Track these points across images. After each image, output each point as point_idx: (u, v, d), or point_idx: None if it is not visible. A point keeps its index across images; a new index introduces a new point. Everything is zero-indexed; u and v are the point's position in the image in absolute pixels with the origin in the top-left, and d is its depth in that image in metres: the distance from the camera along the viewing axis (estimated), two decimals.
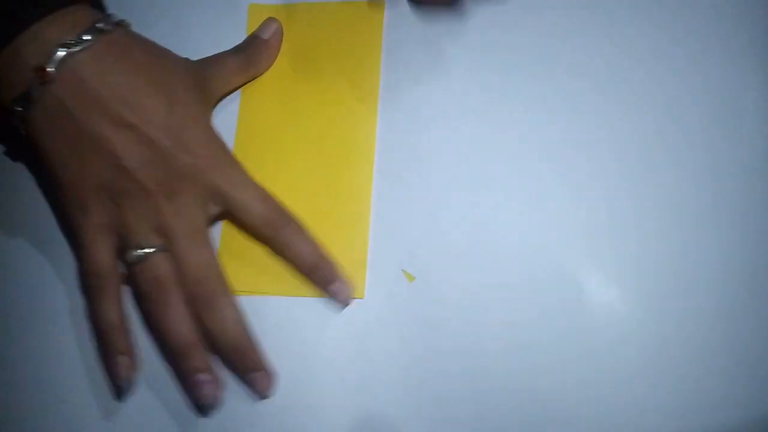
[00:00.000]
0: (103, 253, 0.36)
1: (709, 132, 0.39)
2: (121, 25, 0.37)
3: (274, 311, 0.39)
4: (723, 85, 0.40)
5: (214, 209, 0.37)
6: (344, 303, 0.38)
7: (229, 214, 0.38)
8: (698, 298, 0.37)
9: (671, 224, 0.38)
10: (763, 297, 0.37)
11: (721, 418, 0.36)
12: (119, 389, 0.37)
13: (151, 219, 0.35)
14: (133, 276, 0.37)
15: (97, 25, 0.35)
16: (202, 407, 0.37)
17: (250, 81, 0.41)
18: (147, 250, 0.35)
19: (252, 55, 0.41)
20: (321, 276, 0.37)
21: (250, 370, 0.37)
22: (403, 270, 0.39)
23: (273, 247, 0.38)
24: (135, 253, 0.36)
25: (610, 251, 0.38)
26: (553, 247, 0.39)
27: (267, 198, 0.37)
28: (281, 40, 0.41)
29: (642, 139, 0.40)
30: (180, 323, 0.36)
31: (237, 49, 0.41)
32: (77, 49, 0.34)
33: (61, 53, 0.34)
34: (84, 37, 0.34)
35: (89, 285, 0.37)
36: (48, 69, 0.33)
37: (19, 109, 0.35)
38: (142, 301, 0.38)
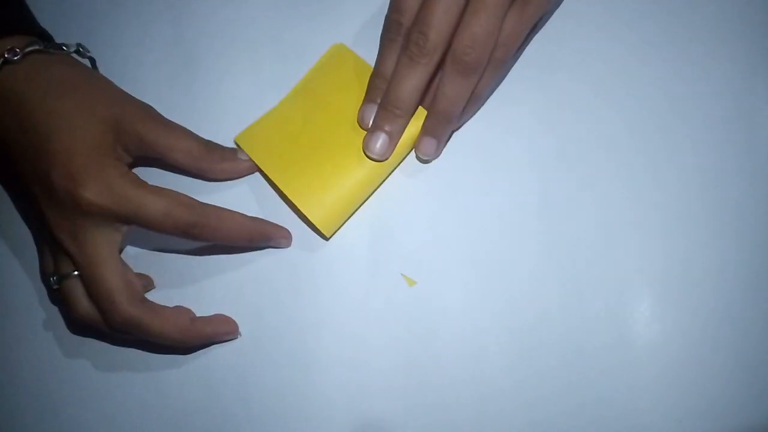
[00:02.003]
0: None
1: (715, 135, 0.39)
2: (41, 51, 0.37)
3: (273, 315, 0.39)
4: (730, 88, 0.39)
5: (121, 230, 0.37)
6: (287, 245, 0.40)
7: (143, 228, 0.37)
8: (701, 301, 0.37)
9: (674, 227, 0.38)
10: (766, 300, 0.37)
11: (723, 420, 0.36)
12: None
13: (59, 250, 0.37)
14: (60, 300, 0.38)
15: (7, 56, 0.36)
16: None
17: (187, 171, 0.40)
18: (59, 277, 0.37)
19: (217, 152, 0.40)
20: (261, 240, 0.39)
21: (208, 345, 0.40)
22: (402, 274, 0.39)
23: (202, 242, 0.38)
24: (52, 279, 0.38)
25: (610, 255, 0.38)
26: (553, 251, 0.38)
27: (169, 207, 0.36)
28: (243, 172, 0.41)
29: (644, 143, 0.39)
30: (121, 335, 0.38)
31: (203, 140, 0.39)
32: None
33: None
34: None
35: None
36: None
37: None
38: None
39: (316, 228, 0.39)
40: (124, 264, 0.37)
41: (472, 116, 0.40)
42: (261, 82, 0.42)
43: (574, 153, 0.39)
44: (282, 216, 0.40)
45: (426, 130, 0.39)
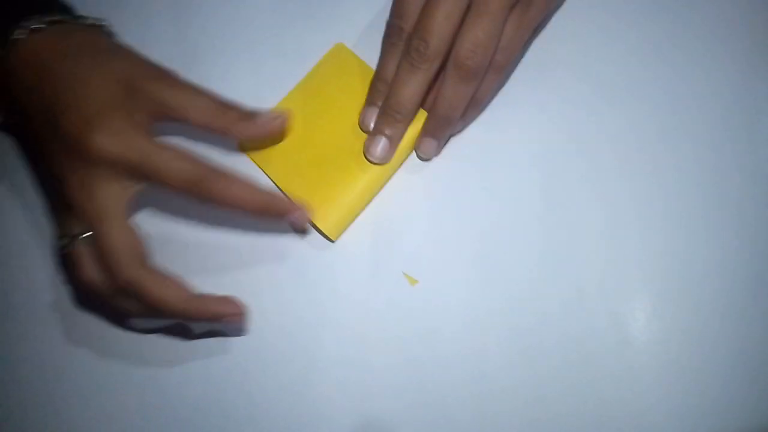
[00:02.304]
0: None
1: (716, 134, 0.40)
2: (60, 21, 0.38)
3: (274, 314, 0.39)
4: (730, 87, 0.40)
5: (130, 185, 0.36)
6: (302, 230, 0.40)
7: (150, 182, 0.36)
8: (702, 300, 0.38)
9: (676, 225, 0.39)
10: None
11: (724, 418, 0.36)
12: None
13: (69, 208, 0.36)
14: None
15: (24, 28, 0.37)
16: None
17: (205, 132, 0.38)
18: (67, 238, 0.37)
19: (235, 111, 0.38)
20: (271, 215, 0.37)
21: (211, 324, 0.39)
22: (404, 273, 0.39)
23: (208, 204, 0.36)
24: (59, 242, 0.37)
25: (612, 254, 0.39)
26: (555, 251, 0.39)
27: (181, 156, 0.36)
28: (275, 132, 0.39)
29: (645, 142, 0.40)
30: (123, 303, 0.37)
31: (221, 99, 0.38)
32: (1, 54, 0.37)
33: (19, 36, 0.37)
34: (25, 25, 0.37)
35: None
36: None
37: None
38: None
39: (321, 231, 0.39)
40: (132, 224, 0.36)
41: (473, 120, 0.40)
42: (261, 82, 0.42)
43: (575, 152, 0.40)
44: None
45: (426, 131, 0.39)
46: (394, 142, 0.39)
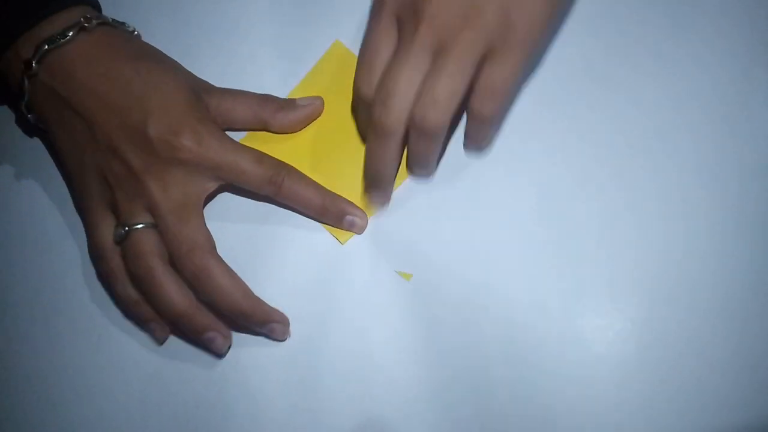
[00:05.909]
0: (105, 235, 0.39)
1: (716, 132, 0.39)
2: (109, 23, 0.40)
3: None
4: (729, 83, 0.39)
5: (210, 183, 0.39)
6: (360, 231, 0.40)
7: (228, 183, 0.39)
8: (700, 299, 0.37)
9: (672, 224, 0.38)
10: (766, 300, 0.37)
11: (722, 419, 0.36)
12: (158, 341, 0.40)
13: (140, 198, 0.38)
14: (123, 254, 0.38)
15: (83, 22, 0.38)
16: (218, 355, 0.39)
17: (252, 125, 0.41)
18: (130, 228, 0.38)
19: (274, 102, 0.41)
20: (332, 215, 0.40)
21: (259, 326, 0.39)
22: (397, 271, 0.39)
23: (280, 201, 0.39)
24: (119, 231, 0.38)
25: (609, 249, 0.38)
26: (552, 247, 0.38)
27: (260, 158, 0.39)
28: (311, 117, 0.41)
29: (643, 140, 0.39)
30: (171, 294, 0.38)
31: (260, 94, 0.41)
32: (61, 42, 0.38)
33: (46, 47, 0.37)
34: (68, 33, 0.38)
35: (97, 268, 0.40)
36: (32, 62, 0.38)
37: (24, 102, 0.39)
38: (134, 279, 0.39)
39: (333, 234, 0.40)
40: (204, 220, 0.39)
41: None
42: (261, 82, 0.42)
43: (571, 149, 0.39)
44: (289, 215, 0.41)
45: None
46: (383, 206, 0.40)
